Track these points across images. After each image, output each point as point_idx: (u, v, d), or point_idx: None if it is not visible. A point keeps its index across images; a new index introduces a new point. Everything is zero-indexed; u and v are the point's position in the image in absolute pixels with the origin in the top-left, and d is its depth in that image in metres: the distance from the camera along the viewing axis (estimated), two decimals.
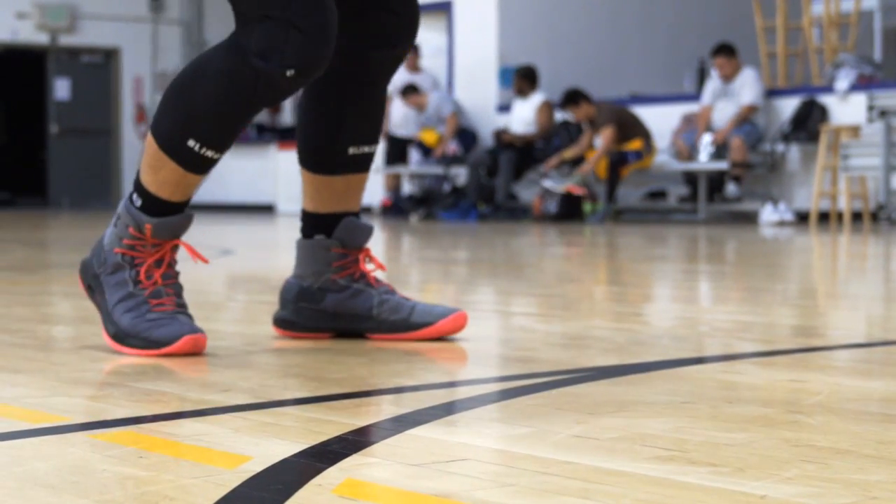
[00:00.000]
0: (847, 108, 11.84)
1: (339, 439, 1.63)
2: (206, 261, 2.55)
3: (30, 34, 18.70)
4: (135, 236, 2.41)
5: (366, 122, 2.54)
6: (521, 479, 1.40)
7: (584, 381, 2.13)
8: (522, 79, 13.54)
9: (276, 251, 7.51)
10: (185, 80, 2.35)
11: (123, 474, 1.44)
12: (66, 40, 18.97)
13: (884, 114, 11.28)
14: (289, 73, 2.24)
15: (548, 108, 13.50)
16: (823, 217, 11.58)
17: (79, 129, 19.41)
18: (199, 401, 1.94)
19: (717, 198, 12.40)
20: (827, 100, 11.97)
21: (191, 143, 2.32)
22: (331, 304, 2.63)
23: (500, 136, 13.62)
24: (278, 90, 2.27)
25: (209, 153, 2.34)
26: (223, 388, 2.07)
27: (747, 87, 12.16)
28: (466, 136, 14.34)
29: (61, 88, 19.34)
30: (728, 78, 12.29)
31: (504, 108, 14.01)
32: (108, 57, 19.53)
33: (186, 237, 2.53)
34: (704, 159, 12.17)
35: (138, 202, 2.41)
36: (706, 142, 12.15)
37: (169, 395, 1.98)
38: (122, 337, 2.40)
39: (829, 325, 3.30)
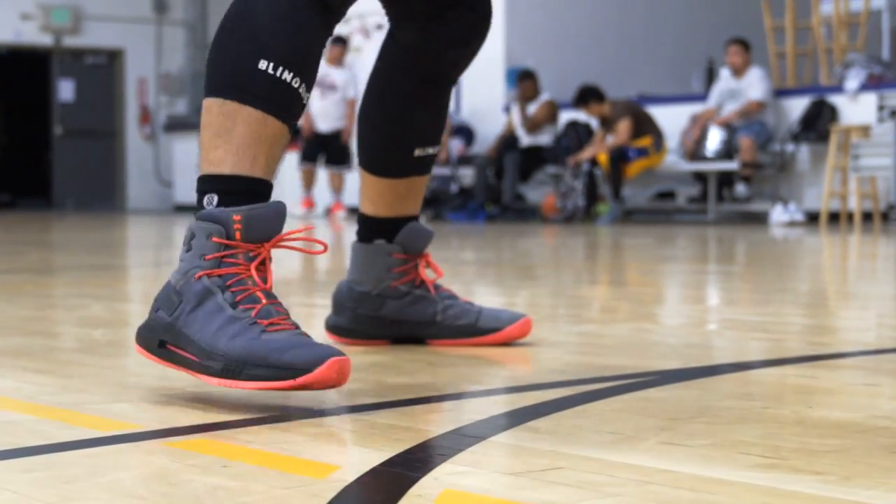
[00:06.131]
0: (857, 108, 11.81)
1: (423, 447, 1.59)
2: (324, 249, 2.05)
3: (34, 35, 18.66)
4: (222, 245, 1.89)
5: (432, 123, 2.44)
6: (626, 489, 1.36)
7: (653, 386, 2.09)
8: (533, 82, 13.43)
9: (282, 251, 7.46)
10: (237, 9, 1.98)
11: (212, 484, 1.39)
12: (69, 42, 18.92)
13: (894, 114, 11.24)
14: None
15: (550, 105, 13.41)
16: (833, 217, 11.54)
17: (83, 130, 19.37)
18: (265, 407, 1.89)
19: (727, 197, 12.37)
20: (837, 100, 11.94)
21: (262, 64, 1.91)
22: (391, 311, 2.53)
23: (507, 140, 13.53)
24: None
25: (287, 76, 1.91)
26: (284, 393, 2.02)
27: (755, 85, 12.14)
28: (465, 132, 14.28)
29: (65, 90, 19.29)
30: (738, 70, 12.24)
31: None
32: (112, 58, 19.49)
33: None
34: (711, 152, 12.10)
35: (214, 201, 1.92)
36: (712, 134, 12.10)
37: (233, 401, 1.93)
38: (237, 369, 1.83)
39: (886, 325, 3.25)
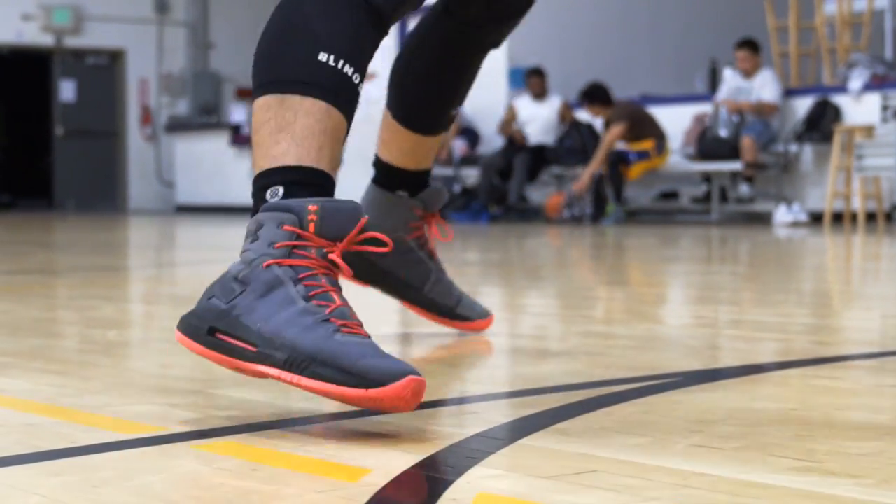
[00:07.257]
0: (861, 108, 11.79)
1: (452, 449, 1.57)
2: (388, 246, 1.79)
3: (35, 36, 18.64)
4: (294, 234, 1.73)
5: (469, 87, 2.57)
6: (664, 492, 1.34)
7: (677, 388, 2.07)
8: (541, 79, 13.43)
9: None
10: (284, 12, 1.88)
11: (244, 488, 1.37)
12: (71, 42, 18.90)
13: None
14: None
15: (568, 109, 13.43)
16: (837, 218, 11.52)
17: (84, 130, 19.35)
18: (289, 409, 1.88)
19: (731, 197, 12.34)
20: (840, 100, 11.92)
21: (323, 56, 1.80)
22: (387, 263, 2.61)
23: (514, 137, 13.51)
24: None
25: (348, 69, 1.81)
26: (306, 395, 2.01)
27: (768, 87, 12.12)
28: (470, 133, 14.27)
29: (66, 90, 19.28)
30: (747, 73, 12.23)
31: None
32: (114, 58, 19.47)
33: None
34: (725, 133, 12.09)
35: (279, 192, 1.78)
36: (723, 115, 12.10)
37: (255, 403, 1.91)
38: (303, 363, 1.66)
39: (893, 326, 3.24)
